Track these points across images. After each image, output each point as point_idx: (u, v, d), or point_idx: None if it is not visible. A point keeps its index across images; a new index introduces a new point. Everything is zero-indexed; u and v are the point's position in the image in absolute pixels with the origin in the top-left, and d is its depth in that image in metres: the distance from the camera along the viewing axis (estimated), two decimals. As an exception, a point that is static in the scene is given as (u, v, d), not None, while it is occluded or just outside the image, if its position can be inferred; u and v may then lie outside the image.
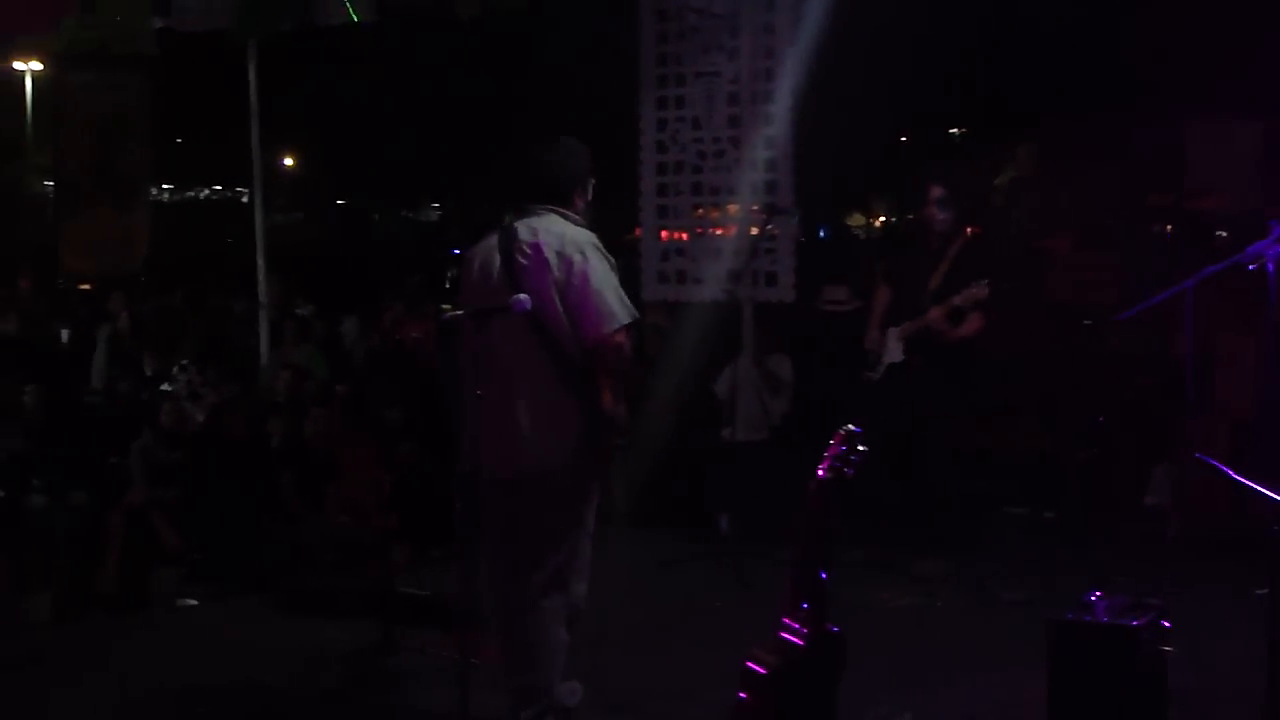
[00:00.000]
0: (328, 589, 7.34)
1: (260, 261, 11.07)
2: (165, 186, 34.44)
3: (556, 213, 4.99)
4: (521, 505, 4.92)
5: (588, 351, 4.86)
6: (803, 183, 8.90)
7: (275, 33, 10.25)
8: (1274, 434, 6.08)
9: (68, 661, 6.66)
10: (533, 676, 4.97)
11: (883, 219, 29.20)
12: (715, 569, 7.68)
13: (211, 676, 6.26)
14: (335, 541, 7.95)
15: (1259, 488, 4.69)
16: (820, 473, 4.48)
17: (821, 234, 24.74)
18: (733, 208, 9.10)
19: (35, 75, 23.53)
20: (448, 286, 14.36)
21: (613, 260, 4.99)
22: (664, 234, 9.48)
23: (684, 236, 9.45)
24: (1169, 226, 11.53)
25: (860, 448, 4.50)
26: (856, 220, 30.51)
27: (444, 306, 4.85)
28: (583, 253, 4.88)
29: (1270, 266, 4.87)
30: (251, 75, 10.73)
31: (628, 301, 4.94)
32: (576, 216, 5.04)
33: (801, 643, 4.41)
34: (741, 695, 4.42)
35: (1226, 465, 4.92)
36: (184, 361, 10.61)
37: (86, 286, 14.16)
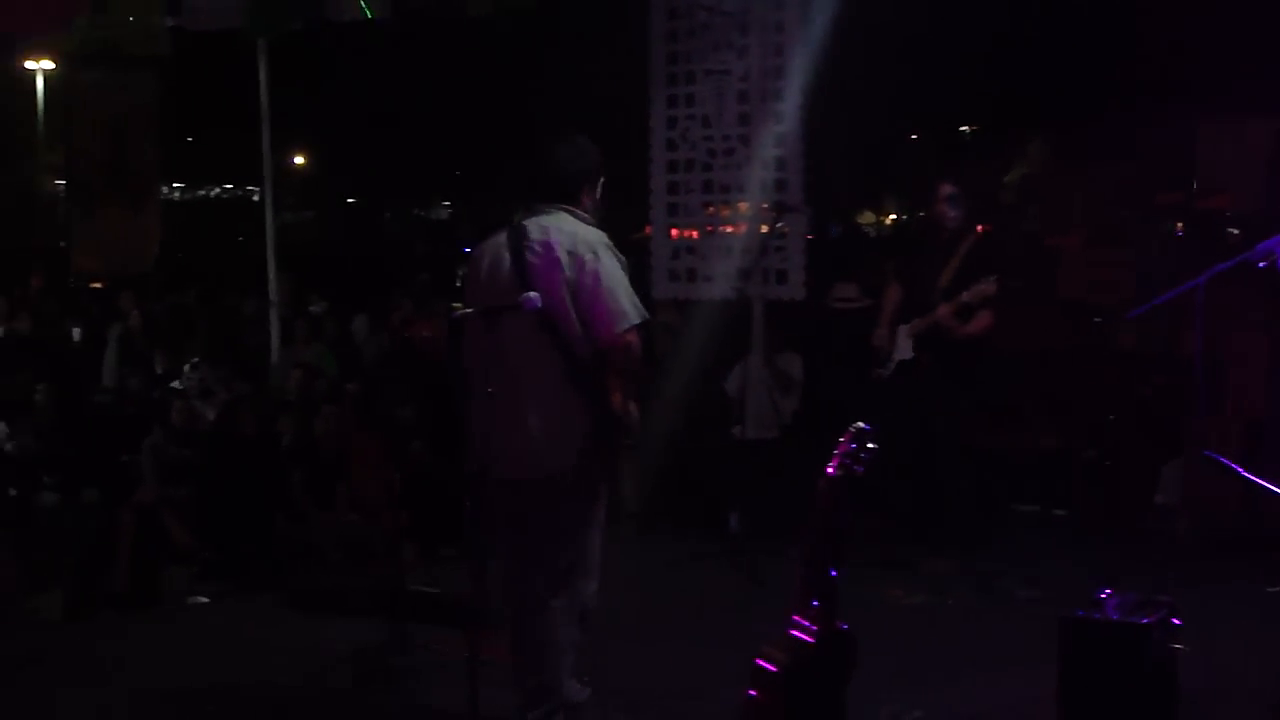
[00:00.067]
0: (338, 587, 7.34)
1: (271, 260, 11.08)
2: (176, 185, 34.45)
3: (567, 211, 4.98)
4: (531, 504, 4.92)
5: (598, 351, 4.86)
6: (813, 181, 8.89)
7: (287, 31, 10.27)
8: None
9: (79, 659, 6.68)
10: (542, 675, 4.97)
11: (893, 217, 29.17)
12: (726, 567, 7.69)
13: (222, 674, 6.28)
14: (345, 540, 7.97)
15: (1270, 486, 4.69)
16: (830, 470, 4.47)
17: (832, 232, 24.71)
18: (743, 205, 9.10)
19: (47, 74, 23.56)
20: (458, 285, 14.37)
21: (624, 259, 4.97)
22: (674, 232, 9.47)
23: (694, 234, 9.45)
24: (1180, 225, 11.52)
25: (870, 445, 4.49)
26: (867, 218, 30.47)
27: (454, 305, 4.84)
28: (594, 252, 4.86)
29: (1281, 264, 4.86)
30: (262, 74, 10.74)
31: (638, 301, 4.93)
32: (586, 215, 5.02)
33: (812, 640, 4.41)
34: (752, 693, 4.42)
35: (1239, 464, 4.91)
36: (195, 360, 10.66)
37: (98, 285, 14.20)
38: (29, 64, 23.36)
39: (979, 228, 7.84)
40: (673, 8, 9.22)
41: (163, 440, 8.75)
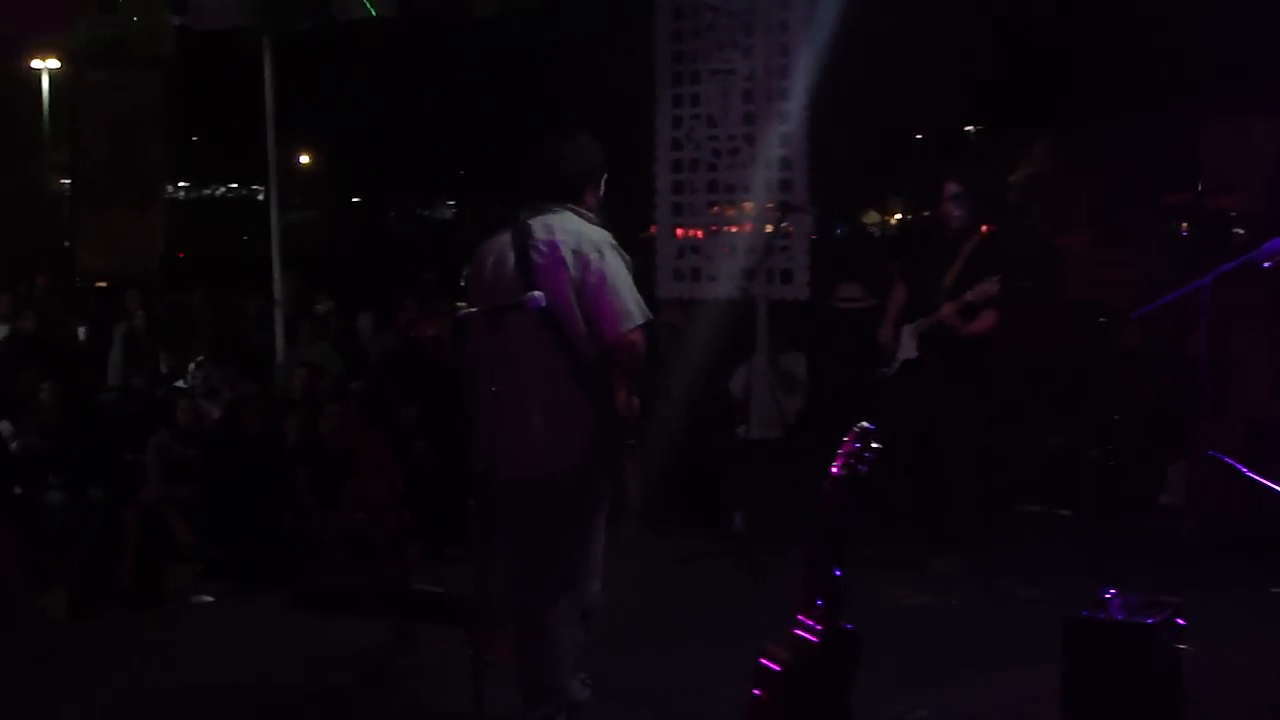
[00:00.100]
0: (342, 586, 7.34)
1: (275, 259, 11.09)
2: (181, 184, 34.47)
3: (571, 210, 4.98)
4: (535, 503, 4.92)
5: (602, 350, 4.86)
6: (817, 180, 8.89)
7: (292, 31, 10.28)
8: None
9: (83, 658, 6.69)
10: (546, 675, 4.96)
11: (898, 217, 29.18)
12: (729, 567, 7.68)
13: (226, 673, 6.28)
14: (350, 539, 7.97)
15: (1275, 487, 4.68)
16: (834, 470, 4.47)
17: (837, 232, 24.71)
18: (748, 205, 9.09)
19: (53, 74, 23.58)
20: (462, 284, 14.37)
21: (629, 259, 4.97)
22: (679, 231, 9.47)
23: (699, 234, 9.45)
24: (1185, 225, 11.52)
25: (874, 445, 4.49)
26: (872, 218, 30.49)
27: (459, 304, 4.84)
28: (599, 251, 4.86)
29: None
30: (267, 73, 10.76)
31: (642, 301, 4.92)
32: (591, 214, 5.02)
33: (816, 640, 4.41)
34: (756, 692, 4.42)
35: (1245, 464, 4.90)
36: (199, 359, 10.69)
37: (103, 284, 14.23)
38: (35, 63, 23.39)
39: (984, 227, 7.84)
40: (678, 7, 9.22)
41: (167, 439, 8.77)
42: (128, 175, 12.96)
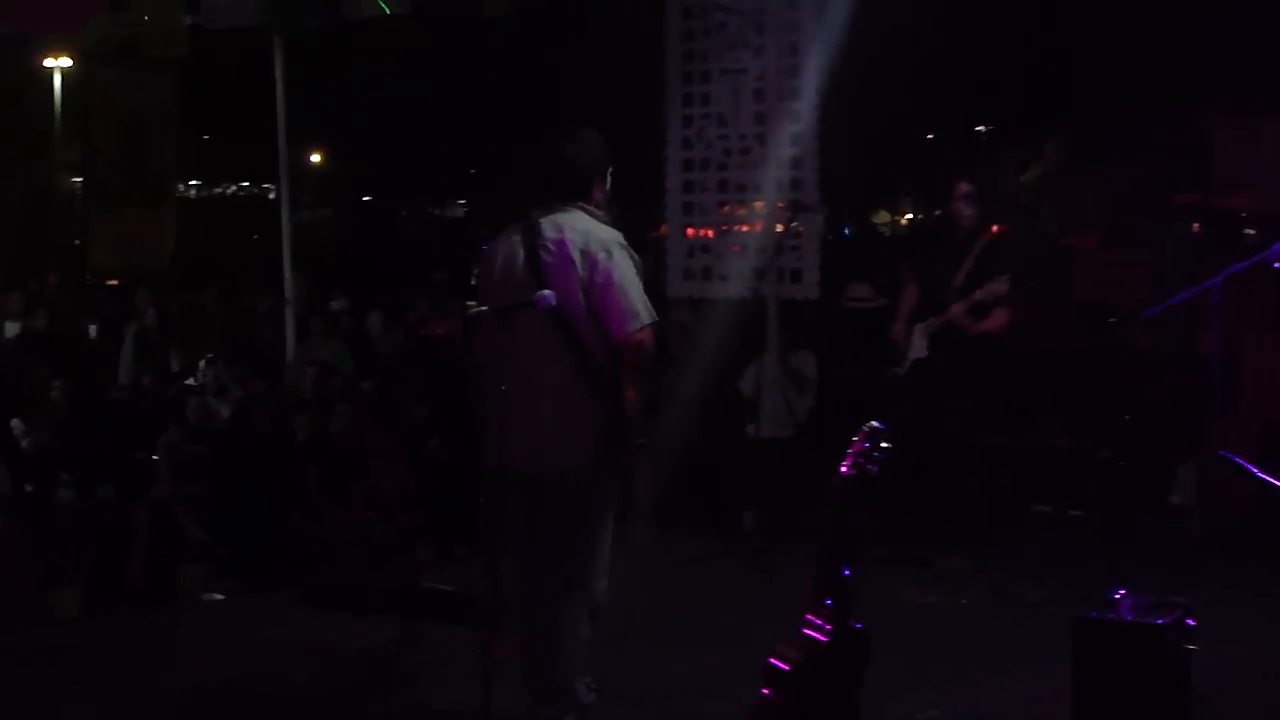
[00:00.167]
0: (352, 585, 7.35)
1: (286, 257, 11.10)
2: (192, 183, 34.50)
3: (581, 209, 4.98)
4: (543, 502, 4.92)
5: (611, 349, 4.86)
6: (828, 180, 8.88)
7: (304, 30, 10.29)
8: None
9: (94, 655, 6.70)
10: (553, 675, 4.96)
11: (909, 216, 29.15)
12: (739, 566, 7.69)
13: (235, 671, 6.29)
14: (360, 537, 7.98)
15: (1285, 487, 4.68)
16: (844, 469, 4.47)
17: (847, 231, 24.69)
18: (758, 205, 9.09)
19: (65, 73, 23.61)
20: (473, 283, 14.38)
21: (638, 258, 4.97)
22: (689, 231, 9.47)
23: (709, 234, 9.44)
24: (1196, 225, 11.48)
25: (884, 444, 4.49)
26: (882, 218, 30.46)
27: (469, 303, 4.84)
28: (608, 251, 4.86)
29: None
30: (279, 72, 10.77)
31: (649, 302, 4.92)
32: (600, 212, 5.01)
33: (825, 639, 4.41)
34: (765, 691, 4.42)
35: (1255, 465, 4.90)
36: (210, 357, 10.70)
37: (114, 282, 14.25)
38: (47, 62, 23.40)
39: (994, 227, 7.82)
40: (688, 7, 9.22)
41: (178, 437, 8.78)
42: (139, 174, 12.98)
